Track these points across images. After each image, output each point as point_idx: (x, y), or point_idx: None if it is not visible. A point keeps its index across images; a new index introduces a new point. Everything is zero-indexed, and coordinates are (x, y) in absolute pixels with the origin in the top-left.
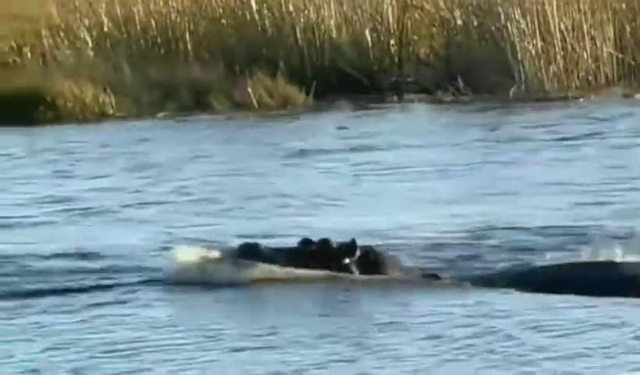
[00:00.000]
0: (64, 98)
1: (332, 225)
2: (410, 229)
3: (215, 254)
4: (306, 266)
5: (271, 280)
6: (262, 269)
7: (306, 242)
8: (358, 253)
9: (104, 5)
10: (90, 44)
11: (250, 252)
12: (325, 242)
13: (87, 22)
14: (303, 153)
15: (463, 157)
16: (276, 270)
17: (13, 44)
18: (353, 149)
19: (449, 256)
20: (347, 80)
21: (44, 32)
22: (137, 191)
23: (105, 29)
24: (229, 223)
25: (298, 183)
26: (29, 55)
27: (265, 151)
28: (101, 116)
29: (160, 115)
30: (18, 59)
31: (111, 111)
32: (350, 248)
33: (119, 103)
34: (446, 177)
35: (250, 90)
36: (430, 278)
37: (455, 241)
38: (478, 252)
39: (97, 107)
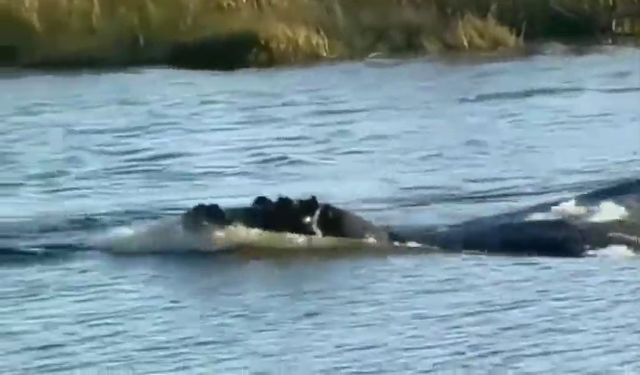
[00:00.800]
0: (277, 40)
1: (550, 168)
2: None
3: (169, 221)
4: (265, 226)
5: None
6: (223, 235)
7: (261, 200)
8: (319, 211)
9: None
10: None
11: (208, 214)
12: (284, 201)
13: None
14: (512, 95)
15: None
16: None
17: None
18: (564, 91)
19: None
20: (560, 21)
21: None
22: (343, 137)
23: None
24: (441, 172)
25: (509, 128)
26: None
27: (474, 93)
28: (314, 59)
29: (371, 56)
30: (232, 3)
31: (324, 53)
32: (310, 205)
33: (332, 45)
34: None
35: (461, 31)
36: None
37: None
38: None
39: (309, 49)
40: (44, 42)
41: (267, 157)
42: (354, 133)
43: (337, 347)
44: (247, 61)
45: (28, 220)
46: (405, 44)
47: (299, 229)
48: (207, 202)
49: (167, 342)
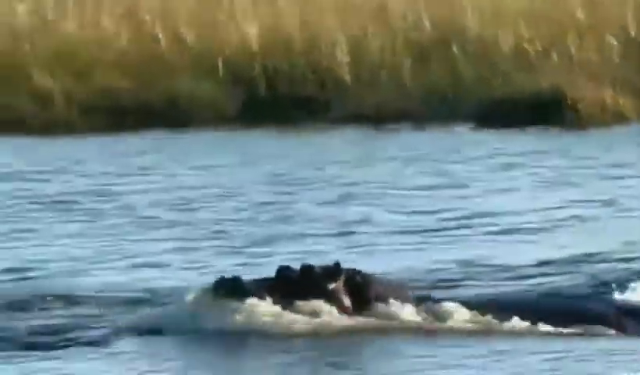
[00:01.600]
0: (585, 100)
1: None
2: None
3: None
4: (289, 296)
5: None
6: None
7: (284, 270)
8: (343, 277)
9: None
10: (615, 47)
11: (229, 287)
12: (306, 268)
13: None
14: None
15: None
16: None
17: (539, 46)
18: None
19: None
20: None
21: (570, 34)
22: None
23: None
24: None
25: None
26: (555, 57)
27: None
28: (621, 120)
29: None
30: (544, 61)
31: (632, 115)
32: (334, 271)
33: (638, 107)
34: None
35: None
36: (422, 299)
37: None
38: None
39: (616, 110)
40: (354, 96)
41: (563, 219)
42: None
43: None
44: (555, 120)
45: None
46: None
47: (324, 296)
48: (229, 275)
49: None
